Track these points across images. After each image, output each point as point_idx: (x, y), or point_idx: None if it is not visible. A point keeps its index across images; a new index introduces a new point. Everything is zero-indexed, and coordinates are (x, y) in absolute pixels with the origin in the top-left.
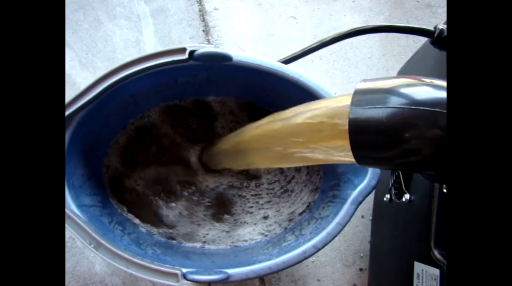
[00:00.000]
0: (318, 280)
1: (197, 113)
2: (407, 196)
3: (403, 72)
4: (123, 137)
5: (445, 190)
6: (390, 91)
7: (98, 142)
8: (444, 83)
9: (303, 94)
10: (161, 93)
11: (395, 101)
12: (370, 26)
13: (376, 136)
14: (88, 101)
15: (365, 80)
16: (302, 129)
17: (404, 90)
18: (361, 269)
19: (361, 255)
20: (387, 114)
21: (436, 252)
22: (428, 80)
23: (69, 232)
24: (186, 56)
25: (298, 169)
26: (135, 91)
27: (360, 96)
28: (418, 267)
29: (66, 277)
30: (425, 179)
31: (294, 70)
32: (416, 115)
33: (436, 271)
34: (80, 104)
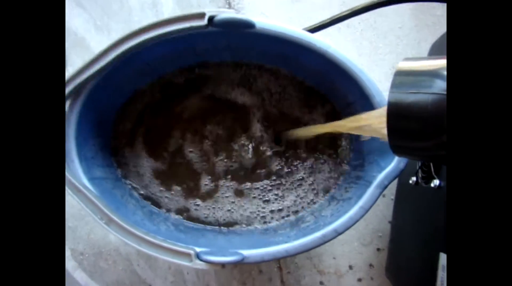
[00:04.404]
0: (334, 258)
1: None
2: (436, 181)
3: (437, 46)
4: (139, 104)
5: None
6: (438, 74)
7: (112, 110)
8: None
9: (329, 66)
10: (179, 61)
11: (442, 86)
12: None
13: (419, 124)
14: (100, 69)
15: (407, 59)
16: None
17: None
18: (378, 249)
19: (380, 234)
20: (432, 101)
21: None
22: None
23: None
24: (205, 22)
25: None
26: (150, 58)
27: (402, 78)
28: (444, 259)
29: (81, 244)
30: None
31: (322, 41)
32: None
33: None
34: (92, 72)
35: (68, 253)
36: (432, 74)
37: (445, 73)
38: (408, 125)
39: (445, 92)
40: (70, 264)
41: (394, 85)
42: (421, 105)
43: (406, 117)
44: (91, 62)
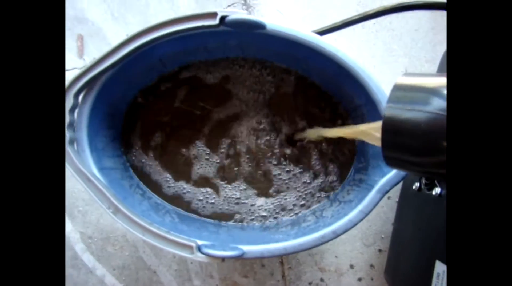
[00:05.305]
0: (336, 256)
1: None
2: (437, 189)
3: None
4: (151, 97)
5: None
6: (434, 92)
7: (124, 103)
8: None
9: (338, 69)
10: (191, 57)
11: (437, 106)
12: (421, 2)
13: (411, 141)
14: (115, 62)
15: (407, 74)
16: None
17: None
18: (380, 250)
19: (382, 236)
20: (426, 119)
21: None
22: None
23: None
24: (217, 21)
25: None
26: (163, 54)
27: (400, 93)
28: (440, 267)
29: (90, 229)
30: None
31: (331, 44)
32: None
33: None
34: (107, 65)
35: (77, 236)
36: (429, 92)
37: (443, 91)
38: (402, 140)
39: (440, 112)
40: (78, 246)
41: (391, 100)
42: (414, 123)
43: (400, 132)
44: (106, 55)
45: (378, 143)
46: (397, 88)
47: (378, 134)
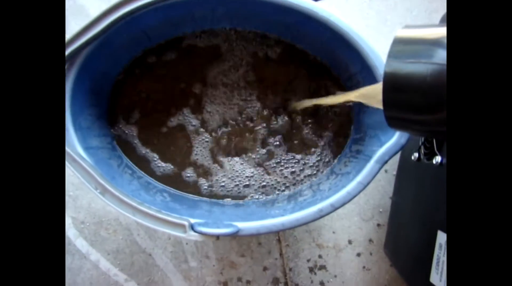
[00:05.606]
0: (334, 232)
1: None
2: (438, 158)
3: None
4: (137, 72)
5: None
6: (439, 43)
7: (108, 79)
8: None
9: (331, 35)
10: (177, 29)
11: (444, 57)
12: None
13: (416, 97)
14: (95, 35)
15: (408, 26)
16: None
17: None
18: (378, 225)
19: (380, 210)
20: (432, 72)
21: None
22: None
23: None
24: None
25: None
26: (147, 25)
27: (401, 46)
28: (442, 237)
29: (82, 213)
30: None
31: (324, 9)
32: None
33: None
34: (87, 38)
35: (69, 221)
36: (433, 43)
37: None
38: (405, 97)
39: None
40: (71, 232)
41: (392, 55)
42: (419, 76)
43: (403, 88)
44: (87, 27)
45: (380, 105)
46: (398, 41)
47: (380, 96)
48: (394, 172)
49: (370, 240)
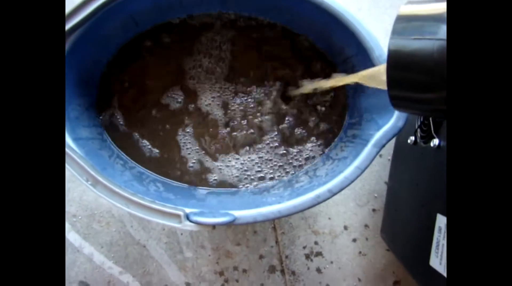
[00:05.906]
0: (329, 218)
1: None
2: (435, 141)
3: None
4: (127, 59)
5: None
6: (444, 18)
7: (96, 68)
8: None
9: (326, 17)
10: (165, 15)
11: None
12: None
13: (422, 74)
14: (82, 20)
15: (410, 2)
16: None
17: None
18: (374, 210)
19: (375, 195)
20: (439, 48)
21: None
22: None
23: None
24: None
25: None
26: (135, 10)
27: (405, 23)
28: (441, 220)
29: (74, 207)
30: None
31: None
32: None
33: None
34: (73, 23)
35: None
36: (439, 18)
37: None
38: (410, 75)
39: None
40: None
41: (396, 32)
42: (425, 53)
43: (408, 66)
44: (72, 12)
45: (382, 86)
46: (401, 18)
47: (383, 76)
48: (389, 157)
49: (366, 226)
